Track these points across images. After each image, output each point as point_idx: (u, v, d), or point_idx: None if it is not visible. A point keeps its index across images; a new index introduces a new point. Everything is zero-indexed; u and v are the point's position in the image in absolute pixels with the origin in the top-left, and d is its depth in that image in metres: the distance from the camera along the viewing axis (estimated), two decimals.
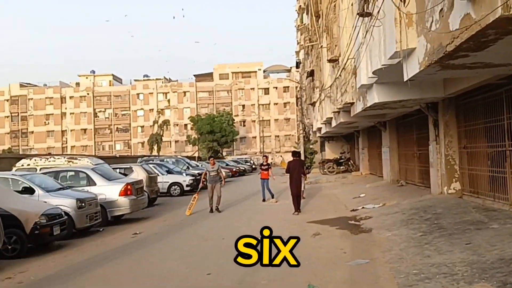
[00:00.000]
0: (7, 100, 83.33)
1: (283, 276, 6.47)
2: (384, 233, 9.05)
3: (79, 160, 15.90)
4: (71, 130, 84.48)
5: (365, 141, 26.10)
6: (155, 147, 74.41)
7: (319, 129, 29.21)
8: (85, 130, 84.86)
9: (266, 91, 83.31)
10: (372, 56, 9.48)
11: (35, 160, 15.82)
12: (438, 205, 10.61)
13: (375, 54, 9.15)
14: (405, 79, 8.02)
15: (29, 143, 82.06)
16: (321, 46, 21.84)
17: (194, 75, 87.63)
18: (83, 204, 11.38)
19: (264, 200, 16.23)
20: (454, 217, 9.06)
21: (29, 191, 11.06)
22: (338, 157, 30.22)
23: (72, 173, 14.23)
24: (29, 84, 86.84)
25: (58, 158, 16.13)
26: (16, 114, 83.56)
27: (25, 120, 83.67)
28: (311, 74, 28.93)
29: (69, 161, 15.68)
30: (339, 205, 14.70)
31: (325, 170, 29.15)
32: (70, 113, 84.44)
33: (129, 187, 13.37)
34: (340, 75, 15.10)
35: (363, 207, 13.00)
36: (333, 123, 21.03)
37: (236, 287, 6.10)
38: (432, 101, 12.04)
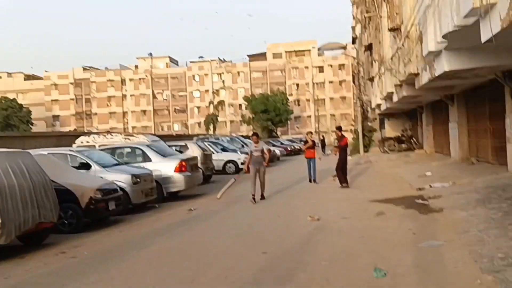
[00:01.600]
0: (72, 83, 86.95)
1: (346, 258, 5.91)
2: (458, 213, 8.18)
3: (136, 137, 15.97)
4: (131, 112, 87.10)
5: (429, 117, 24.57)
6: (211, 127, 75.19)
7: (378, 105, 27.87)
8: (144, 111, 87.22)
9: (321, 69, 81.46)
10: (441, 17, 8.45)
11: (93, 137, 16.04)
12: None
13: (445, 15, 8.13)
14: (483, 40, 7.04)
15: (93, 124, 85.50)
16: (380, 16, 20.59)
17: (248, 55, 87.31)
18: (138, 180, 11.29)
19: (310, 180, 15.05)
20: None
21: (85, 166, 11.11)
22: (400, 135, 28.79)
23: (129, 149, 14.28)
24: (91, 67, 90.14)
25: (116, 135, 16.27)
26: (80, 96, 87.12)
27: (88, 102, 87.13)
28: (369, 47, 27.55)
29: (126, 138, 15.78)
30: (403, 184, 13.78)
31: (385, 149, 27.90)
32: (130, 95, 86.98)
33: (183, 163, 13.19)
34: (402, 45, 13.99)
35: (430, 186, 12.04)
36: (394, 98, 19.82)
37: (294, 267, 5.59)
38: (509, 69, 10.81)
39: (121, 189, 10.71)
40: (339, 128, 14.54)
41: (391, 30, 14.72)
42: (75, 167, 10.96)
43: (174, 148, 17.33)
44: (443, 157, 19.97)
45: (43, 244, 7.97)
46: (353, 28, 45.57)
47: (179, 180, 13.01)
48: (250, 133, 21.58)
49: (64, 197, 8.79)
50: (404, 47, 13.80)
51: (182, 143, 18.58)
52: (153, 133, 73.34)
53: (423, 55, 10.66)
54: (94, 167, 11.16)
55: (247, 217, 9.78)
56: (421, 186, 12.40)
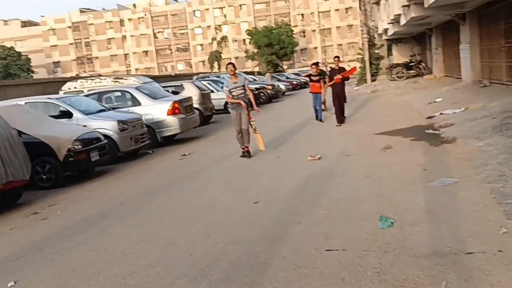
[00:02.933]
0: (69, 27, 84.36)
1: (348, 204, 5.14)
2: (472, 142, 7.31)
3: (125, 79, 14.93)
4: (133, 53, 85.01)
5: (439, 39, 23.01)
6: (216, 65, 73.31)
7: (385, 30, 26.24)
8: (146, 52, 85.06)
9: None
10: None
11: (81, 82, 15.07)
12: None
13: None
14: None
15: (95, 69, 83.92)
16: None
17: None
18: (125, 126, 10.52)
19: (317, 118, 13.38)
20: None
21: (67, 115, 10.30)
22: (408, 61, 27.30)
23: (118, 93, 13.37)
24: (88, 9, 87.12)
25: (104, 79, 15.26)
26: (79, 40, 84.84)
27: (88, 46, 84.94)
28: None
29: (115, 81, 14.77)
30: (412, 112, 12.83)
31: (393, 76, 26.55)
32: (131, 36, 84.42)
33: (176, 105, 12.31)
34: None
35: (441, 113, 11.11)
36: (402, 21, 18.37)
37: (287, 220, 4.86)
38: None
39: (108, 137, 10.00)
40: (337, 58, 12.87)
41: None
42: (55, 116, 10.15)
43: (169, 89, 16.43)
44: (454, 80, 18.78)
45: (18, 203, 7.34)
46: None
47: (173, 124, 12.19)
48: (256, 69, 20.13)
49: (40, 151, 8.15)
50: None
51: (177, 83, 17.57)
52: (157, 74, 72.12)
53: None
54: (77, 115, 10.36)
55: (242, 161, 9.00)
56: (431, 114, 11.48)
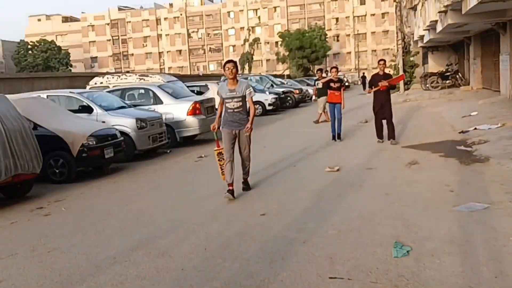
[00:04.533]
0: (108, 24, 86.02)
1: (362, 225, 4.70)
2: (508, 163, 6.72)
3: (151, 77, 14.80)
4: (167, 52, 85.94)
5: (477, 49, 22.03)
6: (246, 66, 73.20)
7: (421, 37, 25.34)
8: (180, 51, 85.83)
9: (362, 1, 76.25)
10: None
11: (107, 78, 15.01)
12: None
13: None
14: None
15: (130, 65, 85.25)
16: None
17: None
18: (144, 124, 10.30)
19: (334, 137, 11.05)
20: None
21: (87, 110, 10.16)
22: (444, 70, 26.30)
23: (141, 91, 13.20)
24: (126, 7, 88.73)
25: (130, 76, 15.16)
26: (117, 37, 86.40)
27: (125, 43, 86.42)
28: None
29: (140, 79, 14.65)
30: (444, 126, 12.17)
31: (427, 85, 25.61)
32: (166, 35, 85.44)
33: (197, 105, 12.06)
34: None
35: (475, 128, 10.45)
36: (438, 28, 17.61)
37: (292, 238, 4.46)
38: None
39: (125, 134, 9.81)
40: (383, 61, 10.36)
41: None
42: (76, 110, 10.03)
43: (195, 89, 16.24)
44: (492, 93, 17.88)
45: (27, 196, 7.20)
46: None
47: (192, 124, 11.94)
48: (286, 72, 19.43)
49: (54, 145, 8.03)
50: None
51: (202, 83, 17.36)
52: (189, 73, 72.64)
53: None
54: (97, 110, 10.20)
55: (258, 167, 8.61)
56: (464, 128, 10.83)
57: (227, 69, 6.12)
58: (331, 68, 11.75)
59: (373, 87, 10.06)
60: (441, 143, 9.38)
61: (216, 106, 12.57)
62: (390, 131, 9.96)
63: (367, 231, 4.49)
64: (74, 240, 4.94)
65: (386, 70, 10.63)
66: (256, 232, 4.72)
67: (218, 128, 6.43)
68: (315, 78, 16.60)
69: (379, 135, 10.25)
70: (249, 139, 6.40)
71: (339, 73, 10.82)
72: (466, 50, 24.59)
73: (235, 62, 6.26)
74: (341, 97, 11.10)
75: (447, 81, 25.22)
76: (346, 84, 11.57)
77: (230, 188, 6.15)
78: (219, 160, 6.52)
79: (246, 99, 6.25)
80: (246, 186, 6.62)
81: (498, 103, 14.54)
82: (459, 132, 10.56)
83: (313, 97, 17.61)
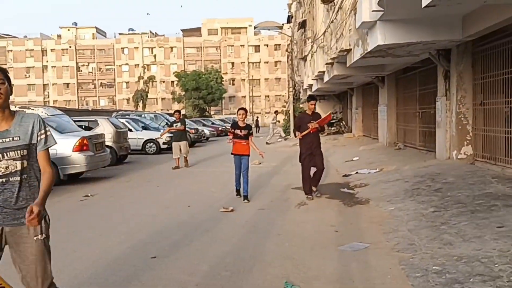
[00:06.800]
0: None
1: (254, 266, 4.69)
2: (385, 206, 7.28)
3: (32, 110, 13.77)
4: (53, 84, 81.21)
5: (359, 99, 24.15)
6: (140, 104, 71.85)
7: (310, 86, 27.12)
8: (67, 84, 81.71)
9: (257, 48, 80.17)
10: None
11: None
12: (448, 173, 8.84)
13: None
14: (423, 4, 6.11)
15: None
16: None
17: (182, 30, 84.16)
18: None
19: (238, 193, 8.77)
20: (472, 188, 7.29)
21: None
22: None
23: None
24: (9, 35, 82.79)
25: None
26: None
27: None
28: (302, 25, 26.58)
29: (20, 111, 13.55)
30: (329, 169, 12.87)
31: None
32: (52, 67, 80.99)
33: (85, 141, 11.42)
34: (335, 18, 13.02)
35: (357, 172, 11.25)
36: (325, 78, 18.99)
37: (185, 280, 4.29)
38: (444, 47, 10.11)
39: None
40: (313, 99, 8.72)
41: (324, 1, 13.62)
42: None
43: (83, 124, 15.42)
44: (371, 141, 19.55)
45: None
46: (289, 6, 44.58)
47: (79, 161, 11.23)
48: (182, 112, 19.54)
49: None
50: (337, 19, 12.84)
51: (91, 118, 16.57)
52: (76, 107, 68.99)
53: (356, 27, 9.66)
54: None
55: (152, 206, 8.32)
56: (347, 172, 11.60)
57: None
58: (238, 109, 8.73)
59: (301, 130, 8.44)
60: (326, 185, 9.90)
61: (108, 143, 12.03)
62: (315, 180, 8.55)
63: (259, 272, 4.49)
64: None
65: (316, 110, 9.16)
66: (147, 276, 4.47)
67: None
68: (172, 119, 15.20)
69: (308, 189, 8.46)
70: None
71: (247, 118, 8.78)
72: (350, 100, 26.79)
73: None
74: (249, 147, 8.50)
75: (333, 128, 27.09)
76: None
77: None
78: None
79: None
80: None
81: (376, 150, 15.89)
82: (343, 176, 11.28)
83: (162, 138, 18.86)
